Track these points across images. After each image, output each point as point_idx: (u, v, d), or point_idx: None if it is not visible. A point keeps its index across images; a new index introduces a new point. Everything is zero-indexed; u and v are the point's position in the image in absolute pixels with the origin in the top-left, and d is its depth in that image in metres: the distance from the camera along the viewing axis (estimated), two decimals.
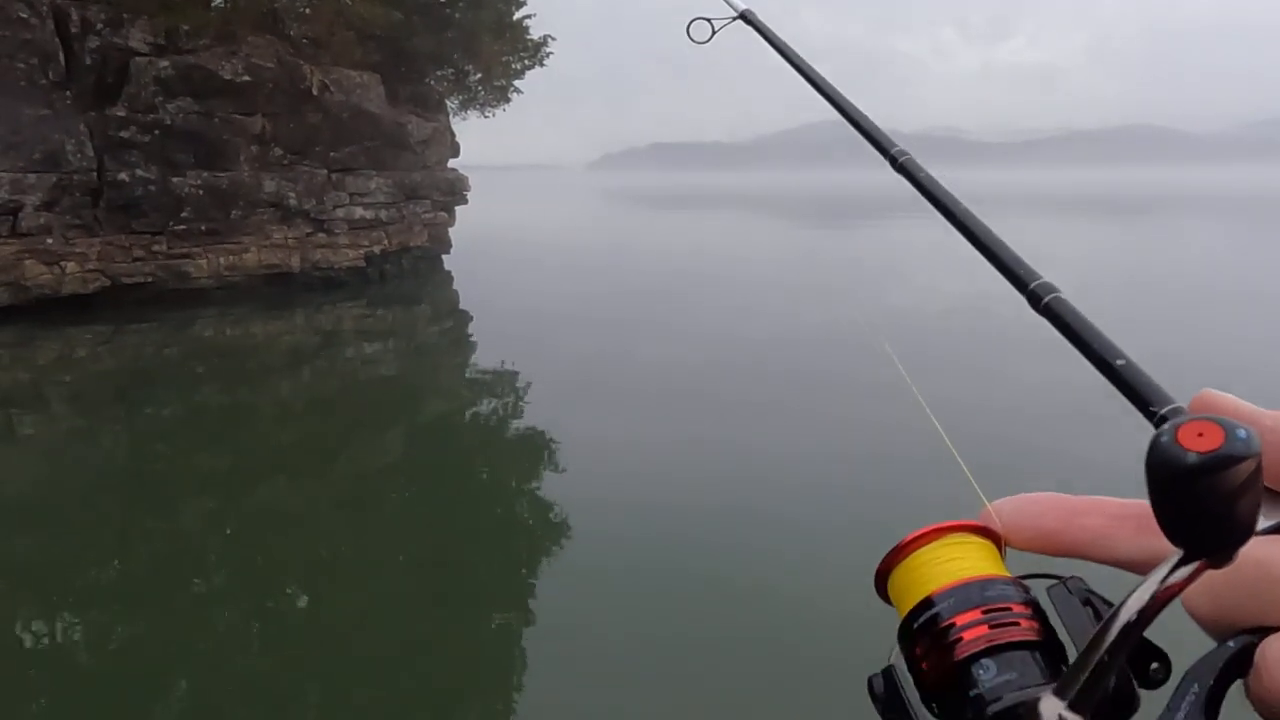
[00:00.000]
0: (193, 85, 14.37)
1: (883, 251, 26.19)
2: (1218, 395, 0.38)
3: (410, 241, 18.62)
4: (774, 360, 10.49)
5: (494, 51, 20.61)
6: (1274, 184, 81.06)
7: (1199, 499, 0.28)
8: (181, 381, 10.51)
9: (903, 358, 0.66)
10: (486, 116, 23.04)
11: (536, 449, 7.74)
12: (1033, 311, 0.50)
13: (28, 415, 9.24)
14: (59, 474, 7.30)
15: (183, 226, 14.41)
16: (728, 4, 1.19)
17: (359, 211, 17.11)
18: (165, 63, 14.22)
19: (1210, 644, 0.35)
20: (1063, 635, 0.37)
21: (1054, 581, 0.39)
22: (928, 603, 0.39)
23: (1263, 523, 0.31)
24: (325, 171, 16.43)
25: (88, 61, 13.98)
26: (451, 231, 20.36)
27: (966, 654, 0.36)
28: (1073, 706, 0.32)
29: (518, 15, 21.07)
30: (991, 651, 0.36)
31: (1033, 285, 0.50)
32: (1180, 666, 0.35)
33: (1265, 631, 0.34)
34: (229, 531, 6.11)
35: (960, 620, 0.37)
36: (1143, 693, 0.35)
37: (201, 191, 14.55)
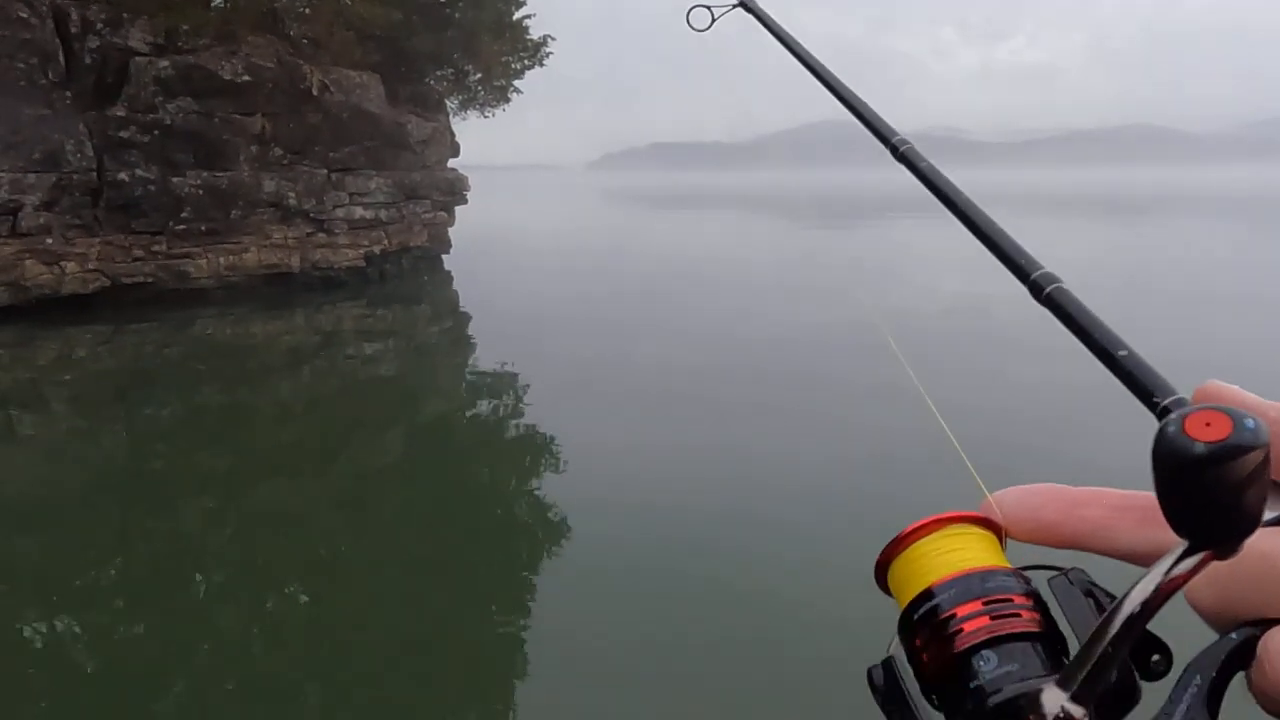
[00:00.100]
0: (193, 85, 14.37)
1: (883, 251, 26.19)
2: (1223, 386, 0.38)
3: (410, 241, 18.63)
4: (774, 360, 10.49)
5: (494, 51, 20.61)
6: (1274, 184, 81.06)
7: (1206, 489, 0.28)
8: (181, 381, 10.51)
9: (904, 354, 0.65)
10: (486, 116, 23.07)
11: (536, 449, 7.74)
12: (1034, 305, 0.50)
13: (28, 415, 9.24)
14: (59, 474, 7.29)
15: (183, 226, 14.41)
16: None
17: (359, 211, 17.11)
18: (165, 63, 14.23)
19: (1212, 636, 0.35)
20: (1064, 627, 0.37)
21: (1055, 573, 0.39)
22: (928, 594, 0.38)
23: (1267, 514, 0.31)
24: (325, 171, 16.43)
25: (88, 61, 13.99)
26: (451, 231, 20.37)
27: (967, 645, 0.36)
28: (1075, 698, 0.32)
29: (518, 15, 21.08)
30: (993, 643, 0.36)
31: (1035, 275, 0.49)
32: (1182, 659, 0.35)
33: (1268, 624, 0.33)
34: (229, 531, 6.11)
35: (961, 611, 0.37)
36: (1144, 685, 0.35)
37: (201, 191, 14.55)
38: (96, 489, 6.97)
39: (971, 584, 0.38)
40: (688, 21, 1.18)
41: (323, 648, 4.46)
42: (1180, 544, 0.30)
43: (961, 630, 0.36)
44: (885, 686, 0.39)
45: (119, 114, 13.89)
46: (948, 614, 0.37)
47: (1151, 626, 0.33)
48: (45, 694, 4.07)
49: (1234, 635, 0.34)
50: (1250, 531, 0.29)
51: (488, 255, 22.67)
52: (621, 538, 5.53)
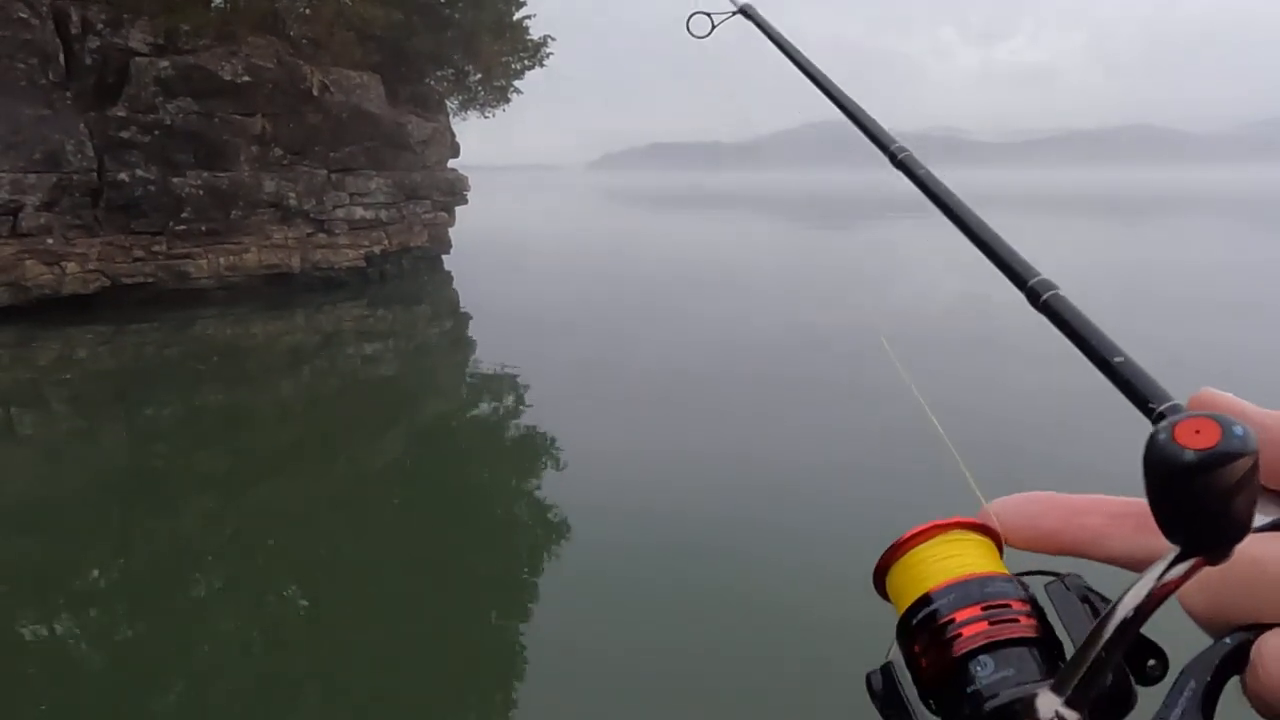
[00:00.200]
0: (193, 85, 14.37)
1: (882, 253, 26.18)
2: (1217, 394, 0.38)
3: (410, 242, 18.62)
4: (773, 362, 10.49)
5: (494, 52, 20.61)
6: (1274, 184, 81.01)
7: (1195, 495, 0.28)
8: (181, 381, 10.51)
9: (901, 359, 0.65)
10: (486, 116, 23.07)
11: (536, 450, 7.74)
12: (1031, 311, 0.50)
13: (28, 415, 9.24)
14: (59, 474, 7.29)
15: (183, 227, 14.40)
16: None
17: (359, 211, 17.11)
18: (165, 63, 14.22)
19: (1207, 641, 0.35)
20: (1061, 632, 0.37)
21: (1052, 579, 0.39)
22: (926, 599, 0.39)
23: (1259, 520, 0.31)
24: (325, 171, 16.42)
25: (88, 61, 13.98)
26: (451, 231, 20.36)
27: (965, 650, 0.36)
28: (1069, 703, 0.32)
29: (518, 15, 21.08)
30: (990, 648, 0.36)
31: (1031, 282, 0.49)
32: (1177, 663, 0.35)
33: (1261, 628, 0.34)
34: (229, 531, 6.11)
35: (959, 616, 0.37)
36: (1140, 690, 0.35)
37: (201, 191, 14.54)
38: (96, 489, 6.97)
39: (970, 589, 0.38)
40: (688, 28, 1.18)
41: (323, 648, 4.46)
42: (1172, 550, 0.31)
43: (960, 635, 0.37)
44: (884, 692, 0.39)
45: (119, 114, 13.88)
46: (946, 619, 0.37)
47: (1147, 632, 0.33)
48: (45, 694, 4.07)
49: (1228, 640, 0.34)
50: (1240, 537, 0.29)
51: (488, 256, 22.66)
52: (620, 540, 5.52)
